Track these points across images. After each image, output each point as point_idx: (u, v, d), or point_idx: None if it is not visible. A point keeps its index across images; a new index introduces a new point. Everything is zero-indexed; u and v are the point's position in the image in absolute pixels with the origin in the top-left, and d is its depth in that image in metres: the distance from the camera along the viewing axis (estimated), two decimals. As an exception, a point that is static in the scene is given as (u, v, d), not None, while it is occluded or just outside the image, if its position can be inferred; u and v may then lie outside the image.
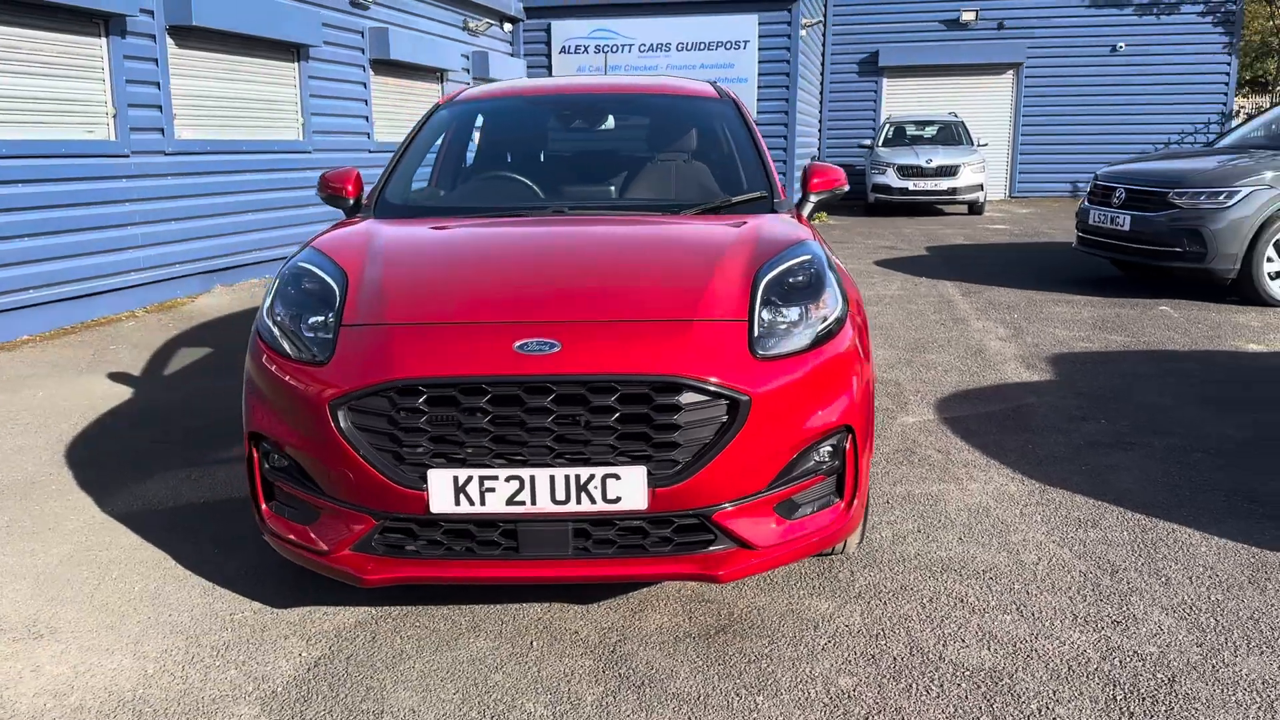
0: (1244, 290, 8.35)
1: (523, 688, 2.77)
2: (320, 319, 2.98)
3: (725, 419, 2.73)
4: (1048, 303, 8.63)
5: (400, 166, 4.06)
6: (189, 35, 9.09)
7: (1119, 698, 2.69)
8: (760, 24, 15.88)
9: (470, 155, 4.47)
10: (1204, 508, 3.97)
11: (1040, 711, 2.63)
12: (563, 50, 16.52)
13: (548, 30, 16.54)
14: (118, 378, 6.24)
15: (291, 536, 2.97)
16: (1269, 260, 8.22)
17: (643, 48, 16.25)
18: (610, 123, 4.54)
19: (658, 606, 3.20)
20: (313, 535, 2.92)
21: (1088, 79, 20.38)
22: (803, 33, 16.00)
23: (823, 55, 20.38)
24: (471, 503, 2.72)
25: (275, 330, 3.02)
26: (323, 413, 2.77)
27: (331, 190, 4.10)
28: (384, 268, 3.13)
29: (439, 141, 4.34)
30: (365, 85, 12.03)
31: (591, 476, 2.69)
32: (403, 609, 3.21)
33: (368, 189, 4.11)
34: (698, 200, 3.89)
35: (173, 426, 5.22)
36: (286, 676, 2.85)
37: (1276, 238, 8.17)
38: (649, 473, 2.69)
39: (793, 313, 2.95)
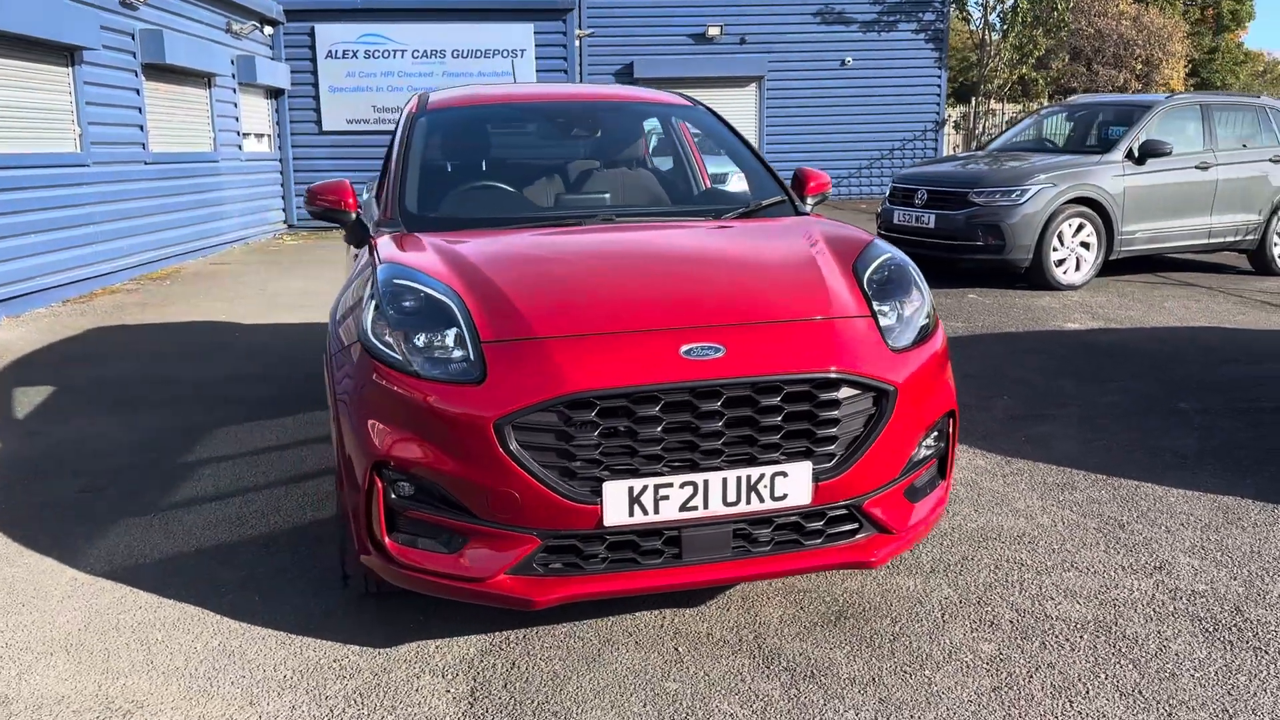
0: (1034, 277, 9.40)
1: (703, 691, 2.78)
2: (445, 337, 2.83)
3: (873, 410, 2.87)
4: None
5: (409, 177, 3.85)
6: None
7: (1210, 629, 3.07)
8: (536, 33, 15.99)
9: (456, 163, 4.30)
10: (1144, 464, 4.53)
11: (1161, 650, 2.96)
12: (329, 55, 15.86)
13: (311, 34, 15.82)
14: (-35, 424, 5.46)
15: (431, 567, 2.80)
16: (1054, 250, 9.31)
17: (416, 54, 15.91)
18: (601, 130, 4.54)
19: (763, 602, 3.28)
20: (462, 563, 2.77)
21: (821, 90, 21.93)
22: (576, 43, 16.25)
23: (579, 66, 20.72)
24: (645, 512, 2.70)
25: (396, 351, 2.83)
26: (485, 433, 2.64)
27: (326, 204, 3.84)
28: (497, 281, 3.00)
29: (420, 149, 4.15)
30: (139, 92, 11.05)
31: (761, 476, 2.75)
32: (514, 632, 3.10)
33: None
34: (728, 204, 3.99)
35: (88, 474, 4.66)
36: (454, 713, 2.70)
37: (1060, 229, 9.27)
38: (812, 468, 2.78)
39: (896, 306, 3.13)
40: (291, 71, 15.79)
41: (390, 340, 2.86)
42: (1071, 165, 9.47)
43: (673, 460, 2.70)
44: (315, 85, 15.97)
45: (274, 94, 15.74)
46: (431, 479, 2.75)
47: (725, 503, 2.74)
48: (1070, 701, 2.70)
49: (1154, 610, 3.20)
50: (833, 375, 2.78)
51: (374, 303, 2.95)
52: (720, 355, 2.74)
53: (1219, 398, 5.59)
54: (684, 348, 2.74)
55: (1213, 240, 10.08)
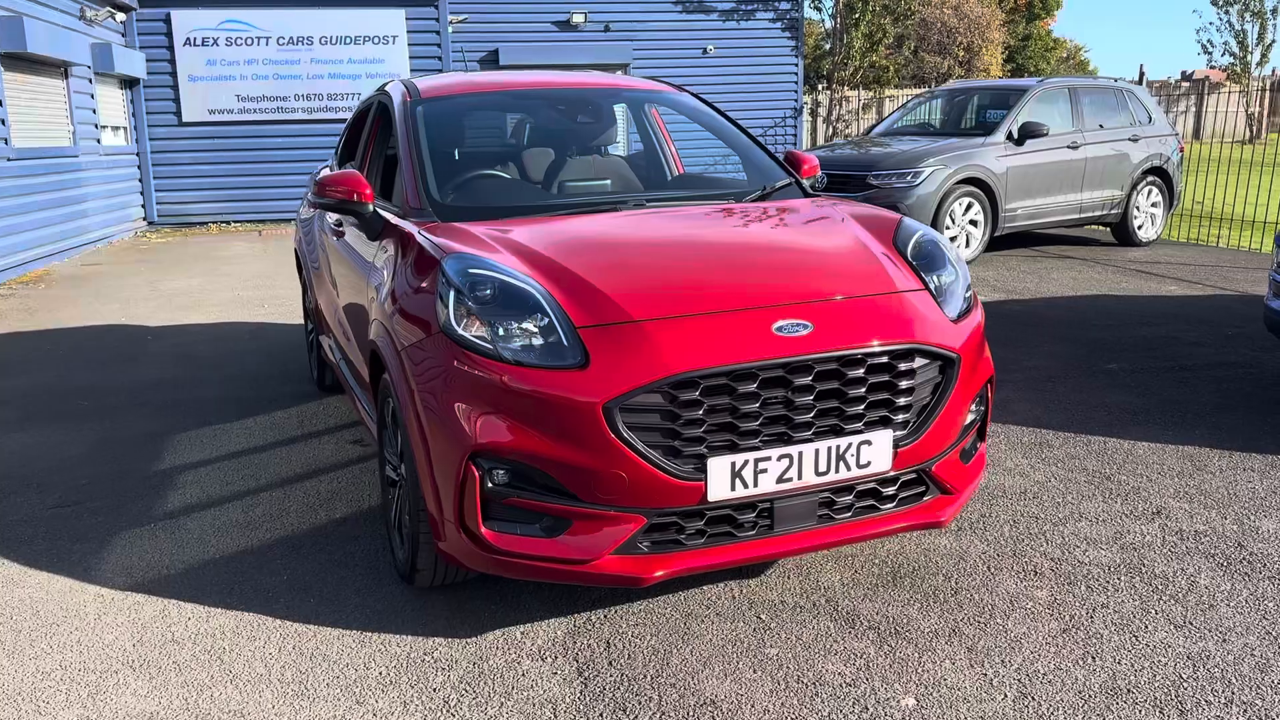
0: (929, 254, 9.87)
1: (803, 654, 2.89)
2: (534, 323, 2.83)
3: (939, 378, 3.03)
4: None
5: (427, 167, 3.78)
6: None
7: (1224, 564, 3.38)
8: (408, 19, 15.66)
9: (467, 151, 4.23)
10: (1104, 421, 4.89)
11: (1191, 585, 3.25)
12: (188, 43, 15.11)
13: (168, 20, 15.02)
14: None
15: (531, 552, 2.81)
16: (947, 228, 9.81)
17: (282, 41, 15.34)
18: (603, 117, 4.54)
19: (819, 568, 3.42)
20: (565, 547, 2.79)
21: (685, 79, 22.16)
22: (450, 29, 16.00)
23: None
24: (746, 485, 2.79)
25: (486, 341, 2.81)
26: (594, 416, 2.68)
27: (339, 195, 3.74)
28: (570, 267, 3.01)
29: (429, 138, 4.06)
30: (-3, 83, 10.31)
31: (849, 445, 2.87)
32: (592, 613, 3.14)
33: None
34: (743, 188, 4.08)
35: (53, 489, 4.40)
36: (571, 695, 2.73)
37: (951, 209, 9.76)
38: (893, 435, 2.93)
39: (942, 277, 3.30)
40: (147, 60, 14.97)
41: (479, 330, 2.84)
42: (959, 148, 9.98)
43: (768, 434, 2.80)
44: (173, 74, 15.19)
45: (129, 84, 14.91)
46: (533, 464, 2.76)
47: (817, 473, 2.86)
48: (1134, 636, 2.94)
49: (1170, 551, 3.49)
50: (910, 346, 2.93)
51: (452, 293, 2.92)
52: (809, 331, 2.85)
53: (1141, 358, 6.05)
54: (775, 325, 2.84)
55: (1083, 214, 10.80)
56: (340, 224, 4.42)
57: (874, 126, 12.04)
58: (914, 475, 3.06)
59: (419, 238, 3.34)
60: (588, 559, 2.79)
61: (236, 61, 15.28)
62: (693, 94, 4.72)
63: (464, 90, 4.41)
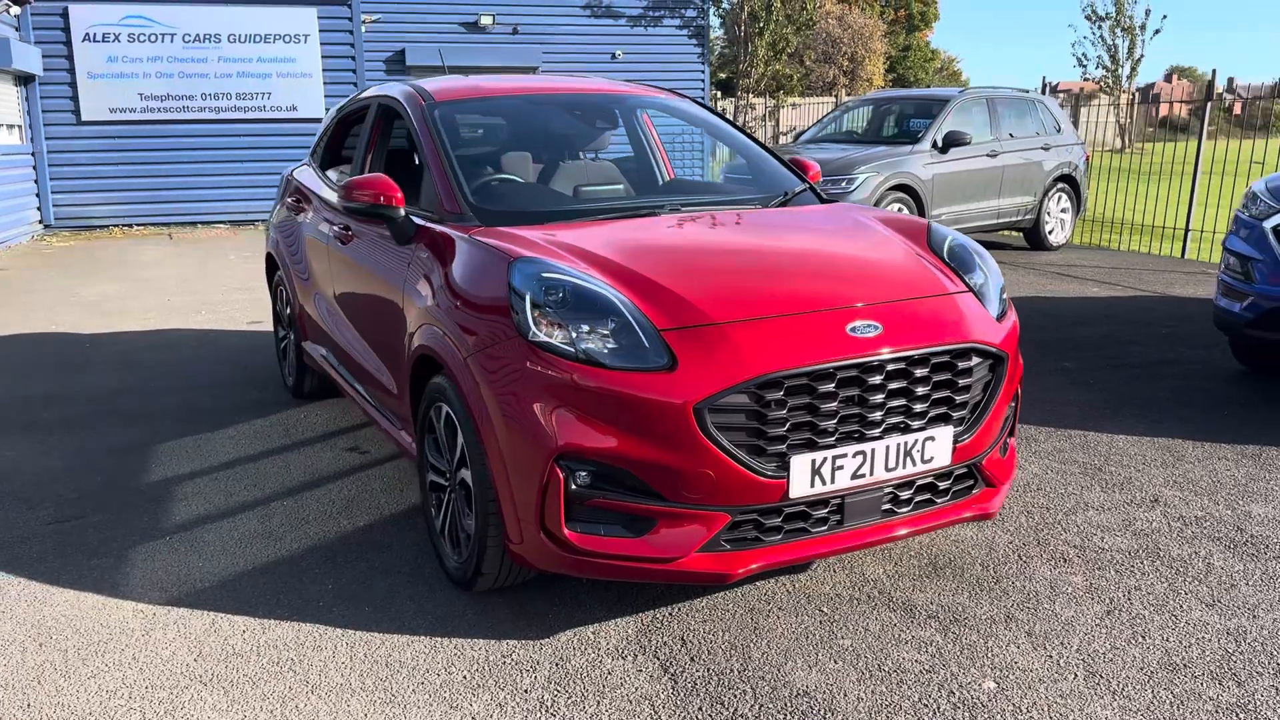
0: (863, 258, 10.17)
1: (875, 644, 2.99)
2: (613, 326, 2.86)
3: (989, 376, 3.18)
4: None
5: (457, 172, 3.74)
6: None
7: (1231, 547, 3.62)
8: (320, 18, 15.33)
9: (494, 156, 4.20)
10: (1076, 416, 5.15)
11: (1209, 567, 3.47)
12: (87, 38, 14.47)
13: (65, 15, 14.37)
14: None
15: (615, 552, 2.84)
16: (880, 232, 10.11)
17: (188, 38, 14.83)
18: (621, 123, 4.57)
19: (861, 562, 3.53)
20: (650, 546, 2.83)
21: (593, 81, 22.34)
22: (363, 29, 15.73)
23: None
24: (824, 482, 2.88)
25: (568, 344, 2.83)
26: (684, 417, 2.73)
27: (367, 199, 3.69)
28: (640, 271, 3.05)
29: (454, 142, 4.01)
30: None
31: (915, 442, 2.99)
32: (656, 611, 3.19)
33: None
34: (762, 192, 4.17)
35: (44, 504, 4.22)
36: (664, 690, 2.77)
37: (884, 214, 10.07)
38: (953, 431, 3.07)
39: (976, 280, 3.44)
40: (44, 56, 14.29)
41: (557, 334, 2.86)
42: (889, 155, 10.31)
43: (844, 432, 2.90)
44: (71, 71, 14.53)
45: (24, 81, 14.21)
46: (619, 465, 2.80)
47: (886, 468, 2.97)
48: (1174, 616, 3.14)
49: (1179, 536, 3.72)
50: (968, 345, 3.07)
51: (528, 297, 2.93)
52: (879, 332, 2.95)
53: (1090, 357, 6.38)
54: (849, 325, 2.94)
55: (1000, 220, 11.27)
56: (349, 229, 4.36)
57: (802, 133, 12.31)
58: (965, 469, 3.20)
59: (473, 242, 3.33)
60: (674, 557, 2.83)
61: (140, 59, 14.71)
62: (698, 101, 4.81)
63: (477, 94, 4.40)
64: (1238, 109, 30.46)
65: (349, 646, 3.03)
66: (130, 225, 14.94)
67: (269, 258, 5.87)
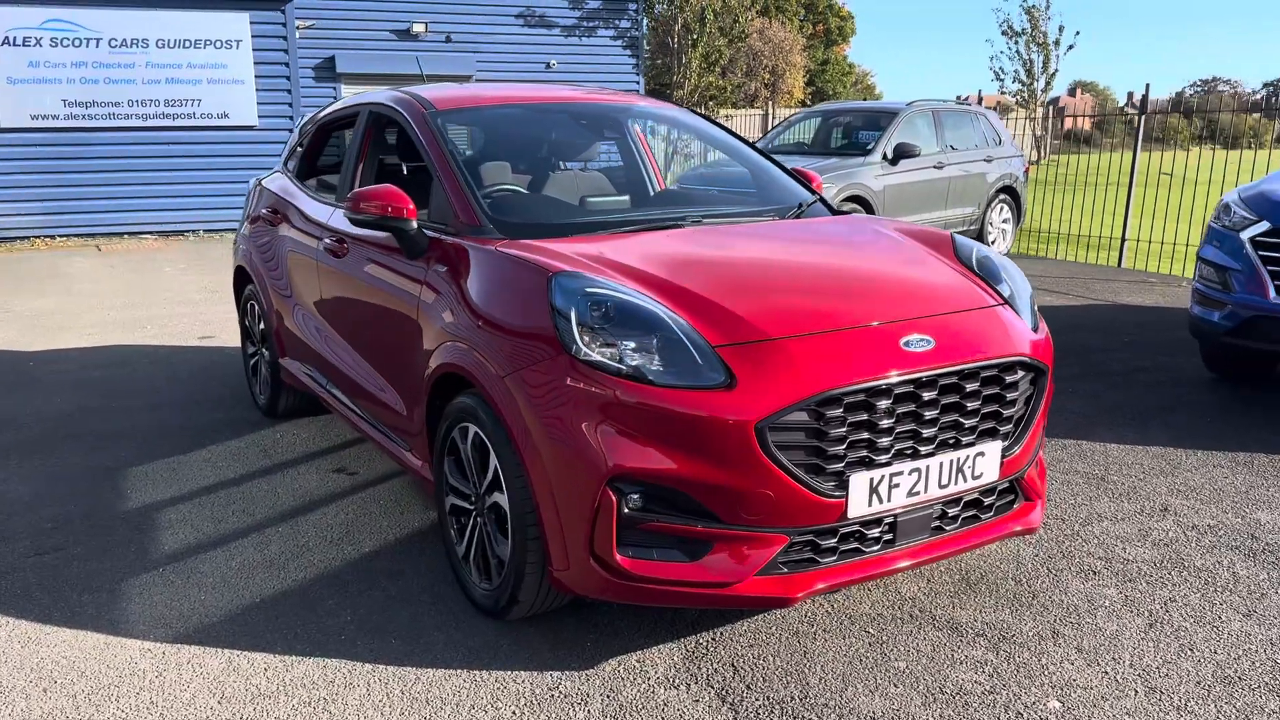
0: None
1: (930, 666, 2.92)
2: (663, 342, 2.75)
3: (1030, 390, 3.15)
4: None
5: (470, 183, 3.59)
6: None
7: (1250, 555, 3.65)
8: (253, 23, 14.89)
9: (504, 166, 4.05)
10: (1072, 425, 5.18)
11: (1235, 576, 3.49)
12: (6, 42, 13.83)
13: (-18, 18, 13.73)
14: None
15: (670, 577, 2.73)
16: (835, 243, 10.16)
17: (114, 43, 14.27)
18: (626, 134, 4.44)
19: (890, 582, 3.47)
20: (707, 570, 2.73)
21: (528, 90, 22.16)
22: (297, 35, 15.35)
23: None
24: (881, 501, 2.81)
25: (618, 362, 2.71)
26: (745, 436, 2.63)
27: (375, 211, 3.52)
28: (686, 286, 2.94)
29: (461, 152, 3.87)
30: None
31: (966, 457, 2.94)
32: (699, 636, 3.08)
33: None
34: (776, 204, 4.09)
35: (15, 536, 3.95)
36: (727, 719, 2.67)
37: (839, 224, 10.13)
38: (1001, 446, 3.03)
39: (1006, 292, 3.41)
40: (-42, 59, 13.63)
41: (606, 351, 2.75)
42: (841, 166, 10.38)
43: (899, 449, 2.83)
44: (-11, 75, 13.89)
45: (-63, 84, 13.53)
46: (675, 487, 2.69)
47: (940, 485, 2.91)
48: (1214, 627, 3.14)
49: (1199, 545, 3.75)
50: (1015, 359, 3.03)
51: (573, 313, 2.80)
52: (933, 346, 2.90)
53: (1065, 366, 6.45)
54: (903, 340, 2.88)
55: (946, 230, 11.40)
56: (342, 241, 4.17)
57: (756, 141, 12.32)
58: (1008, 484, 3.16)
59: (502, 256, 3.20)
60: (731, 581, 2.74)
61: (63, 64, 14.11)
62: (697, 112, 4.73)
63: (479, 103, 4.25)
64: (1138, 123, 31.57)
65: (383, 683, 2.86)
66: (53, 236, 14.32)
67: (239, 271, 5.61)
